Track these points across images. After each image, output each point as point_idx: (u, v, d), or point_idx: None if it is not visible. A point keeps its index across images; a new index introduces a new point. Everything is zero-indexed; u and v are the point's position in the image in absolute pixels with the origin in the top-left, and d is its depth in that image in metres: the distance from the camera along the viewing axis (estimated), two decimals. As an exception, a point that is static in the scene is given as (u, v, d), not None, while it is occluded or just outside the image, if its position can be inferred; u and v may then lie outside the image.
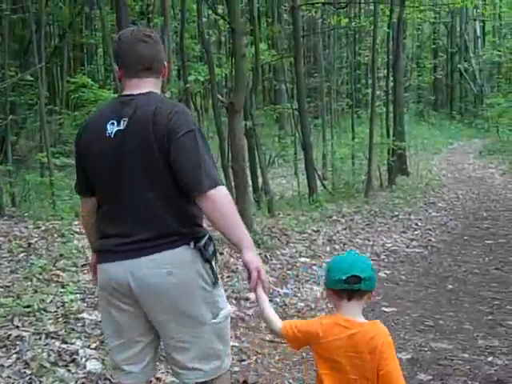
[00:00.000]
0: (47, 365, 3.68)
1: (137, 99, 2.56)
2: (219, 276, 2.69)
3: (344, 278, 2.26)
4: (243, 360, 4.23)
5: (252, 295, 5.40)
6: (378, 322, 2.39)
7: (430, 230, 9.48)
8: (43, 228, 7.14)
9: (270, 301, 5.24)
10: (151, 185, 2.50)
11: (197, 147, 2.47)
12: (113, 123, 2.55)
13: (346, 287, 2.27)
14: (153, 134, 2.46)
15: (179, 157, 2.45)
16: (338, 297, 2.32)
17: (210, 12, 15.09)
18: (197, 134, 2.50)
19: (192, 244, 2.53)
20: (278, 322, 2.45)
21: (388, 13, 15.04)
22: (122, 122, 2.53)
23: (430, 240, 8.77)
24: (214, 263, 2.61)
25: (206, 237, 2.59)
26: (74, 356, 3.85)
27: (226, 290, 4.18)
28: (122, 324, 2.62)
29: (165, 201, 2.51)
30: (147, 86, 2.62)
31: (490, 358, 4.25)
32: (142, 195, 2.51)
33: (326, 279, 2.35)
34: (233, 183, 7.99)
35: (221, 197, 2.46)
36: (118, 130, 2.54)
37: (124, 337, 2.64)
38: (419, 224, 9.89)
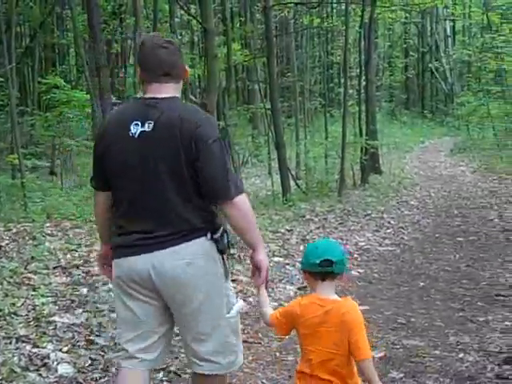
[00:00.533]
0: (18, 369, 3.64)
1: (161, 103, 2.61)
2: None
3: (318, 261, 2.49)
4: (217, 361, 4.22)
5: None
6: (349, 299, 2.62)
7: (402, 228, 9.55)
8: (14, 230, 7.06)
9: (244, 300, 5.29)
10: (175, 189, 2.57)
11: (223, 155, 2.59)
12: (137, 124, 2.59)
13: (320, 270, 2.50)
14: (180, 140, 2.52)
15: (207, 165, 2.54)
16: (314, 278, 2.55)
17: (183, 12, 15.02)
18: (221, 141, 2.60)
19: (209, 235, 2.63)
20: (269, 315, 2.69)
21: (360, 13, 15.18)
22: (147, 124, 2.58)
23: (402, 238, 8.84)
24: (225, 256, 2.72)
25: (222, 228, 2.69)
26: (46, 360, 3.81)
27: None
28: (139, 316, 2.68)
29: (188, 203, 2.59)
30: (168, 90, 2.67)
31: (460, 355, 4.29)
32: (166, 198, 2.57)
33: (303, 263, 2.59)
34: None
35: (244, 204, 2.63)
36: (143, 131, 2.58)
37: (142, 328, 2.70)
38: (392, 222, 9.96)
